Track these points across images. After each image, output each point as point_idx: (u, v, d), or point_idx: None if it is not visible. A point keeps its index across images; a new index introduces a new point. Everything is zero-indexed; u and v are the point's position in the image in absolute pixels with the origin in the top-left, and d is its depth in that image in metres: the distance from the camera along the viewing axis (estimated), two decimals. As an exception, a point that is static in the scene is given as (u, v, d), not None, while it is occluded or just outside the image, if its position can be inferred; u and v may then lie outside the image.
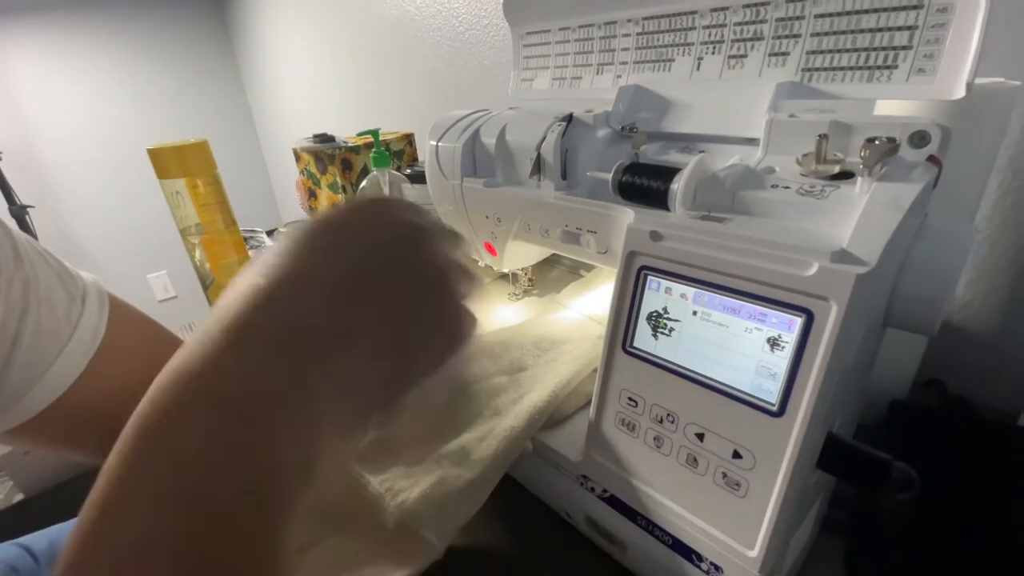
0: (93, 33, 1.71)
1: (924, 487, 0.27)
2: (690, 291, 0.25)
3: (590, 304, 0.42)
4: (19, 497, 0.92)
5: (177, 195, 0.60)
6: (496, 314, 0.51)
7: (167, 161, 0.58)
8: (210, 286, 0.67)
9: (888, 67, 0.27)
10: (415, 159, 0.93)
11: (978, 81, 0.27)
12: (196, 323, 0.74)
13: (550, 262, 0.57)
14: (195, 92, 1.93)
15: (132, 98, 1.81)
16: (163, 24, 1.81)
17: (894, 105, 0.34)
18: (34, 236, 1.38)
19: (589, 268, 0.51)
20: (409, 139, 0.93)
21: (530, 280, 0.53)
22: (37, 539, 0.51)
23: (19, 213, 1.49)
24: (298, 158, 0.91)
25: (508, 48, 0.81)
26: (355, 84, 1.31)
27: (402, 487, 0.30)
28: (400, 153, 0.91)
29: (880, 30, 0.26)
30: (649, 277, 0.27)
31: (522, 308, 0.51)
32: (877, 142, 0.23)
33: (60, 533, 0.52)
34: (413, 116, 1.12)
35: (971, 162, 0.35)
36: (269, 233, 0.90)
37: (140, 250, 1.93)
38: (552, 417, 0.34)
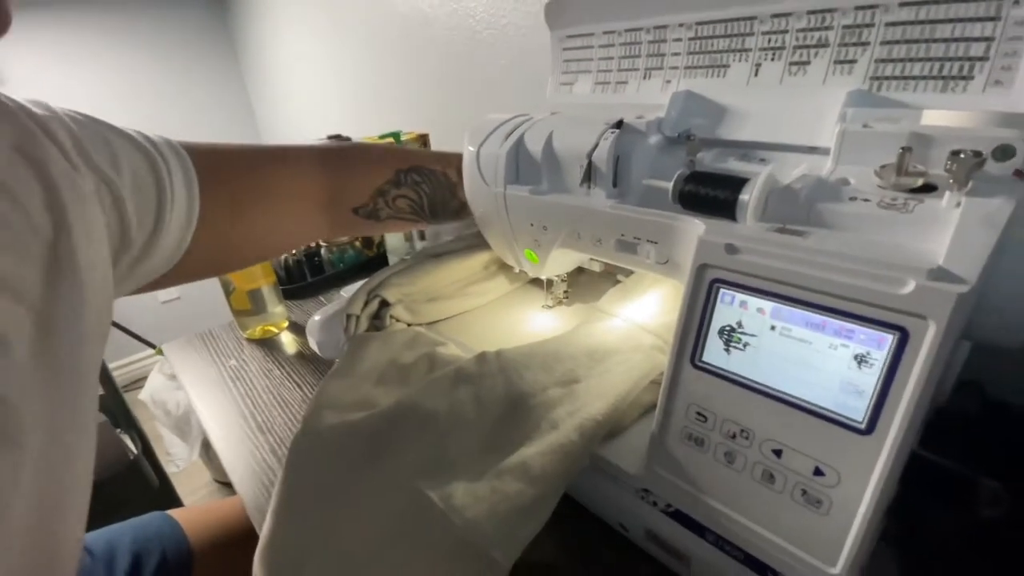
0: (92, 32, 1.68)
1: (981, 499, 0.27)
2: (768, 305, 0.25)
3: (637, 312, 0.42)
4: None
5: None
6: (533, 320, 0.50)
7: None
8: (232, 292, 0.66)
9: (964, 77, 0.26)
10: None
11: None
12: (215, 329, 0.74)
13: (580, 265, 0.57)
14: (196, 93, 1.91)
15: (133, 99, 1.79)
16: (163, 24, 1.79)
17: (941, 116, 0.34)
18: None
19: (625, 272, 0.51)
20: (424, 140, 0.92)
21: (566, 290, 0.52)
22: (95, 539, 0.50)
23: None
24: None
25: (528, 49, 0.80)
26: (364, 83, 1.30)
27: (466, 504, 0.29)
28: (416, 154, 0.90)
29: (955, 40, 0.26)
30: (722, 290, 0.26)
31: (559, 316, 0.51)
32: (963, 155, 0.23)
33: (120, 534, 0.51)
34: (426, 117, 1.11)
35: None
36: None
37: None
38: (609, 430, 0.33)
